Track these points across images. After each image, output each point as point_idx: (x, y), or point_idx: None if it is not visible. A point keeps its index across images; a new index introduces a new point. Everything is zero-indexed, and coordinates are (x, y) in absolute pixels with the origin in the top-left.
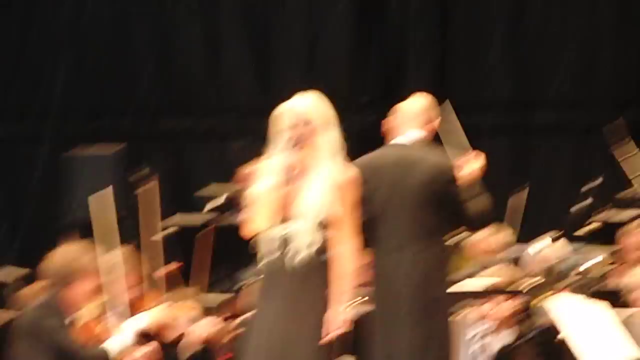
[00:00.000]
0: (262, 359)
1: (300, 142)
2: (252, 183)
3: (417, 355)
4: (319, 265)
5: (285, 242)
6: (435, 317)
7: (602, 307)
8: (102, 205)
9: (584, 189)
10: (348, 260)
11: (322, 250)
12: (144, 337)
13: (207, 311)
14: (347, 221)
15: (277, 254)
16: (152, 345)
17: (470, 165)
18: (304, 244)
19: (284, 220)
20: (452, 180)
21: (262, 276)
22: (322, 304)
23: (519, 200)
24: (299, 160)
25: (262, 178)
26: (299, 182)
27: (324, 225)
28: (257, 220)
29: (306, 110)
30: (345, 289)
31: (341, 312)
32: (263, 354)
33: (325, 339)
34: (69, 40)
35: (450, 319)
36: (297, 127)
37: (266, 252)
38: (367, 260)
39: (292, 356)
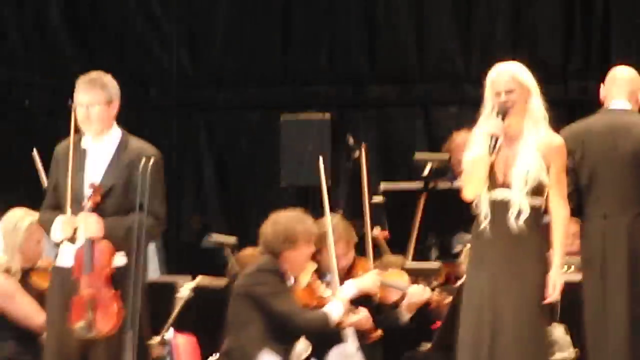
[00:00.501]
0: (486, 317)
1: (511, 107)
2: (466, 149)
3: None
4: (534, 231)
5: (500, 208)
6: None
7: None
8: (315, 172)
9: None
10: (562, 225)
11: (536, 216)
12: (360, 301)
13: (415, 278)
14: (558, 187)
15: (492, 219)
16: (363, 312)
17: None
18: (518, 210)
19: (499, 186)
20: None
21: (476, 241)
22: (542, 266)
23: None
24: (510, 126)
25: (474, 145)
26: (511, 148)
27: (536, 192)
28: (469, 188)
29: (518, 76)
30: (561, 253)
31: (561, 275)
32: (486, 313)
33: (550, 299)
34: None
35: None
36: (511, 92)
37: (481, 218)
38: (577, 229)
39: (516, 313)
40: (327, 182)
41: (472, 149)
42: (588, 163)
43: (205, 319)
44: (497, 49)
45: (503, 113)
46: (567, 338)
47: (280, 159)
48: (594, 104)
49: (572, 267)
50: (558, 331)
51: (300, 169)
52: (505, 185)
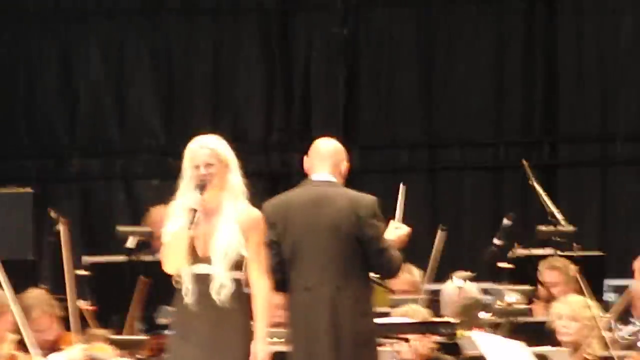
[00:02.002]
0: None
1: (209, 181)
2: (165, 223)
3: None
4: (236, 304)
5: (202, 282)
6: (363, 349)
7: (518, 345)
8: (18, 244)
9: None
10: (263, 297)
11: (238, 288)
12: None
13: (122, 352)
14: (257, 260)
15: (195, 293)
16: None
17: (396, 231)
18: (219, 284)
19: (200, 261)
20: (371, 216)
21: (180, 315)
22: (246, 338)
23: (437, 241)
24: (208, 200)
25: (173, 219)
26: (209, 222)
27: (237, 265)
28: (170, 262)
29: (217, 150)
30: (264, 324)
31: (265, 346)
32: None
33: None
34: None
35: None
36: (210, 166)
37: (183, 293)
38: (281, 301)
39: None
40: (28, 256)
41: (172, 222)
42: (290, 235)
43: None
44: (198, 121)
45: (201, 187)
46: None
47: None
48: (295, 176)
49: (275, 338)
50: None
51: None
52: (206, 259)
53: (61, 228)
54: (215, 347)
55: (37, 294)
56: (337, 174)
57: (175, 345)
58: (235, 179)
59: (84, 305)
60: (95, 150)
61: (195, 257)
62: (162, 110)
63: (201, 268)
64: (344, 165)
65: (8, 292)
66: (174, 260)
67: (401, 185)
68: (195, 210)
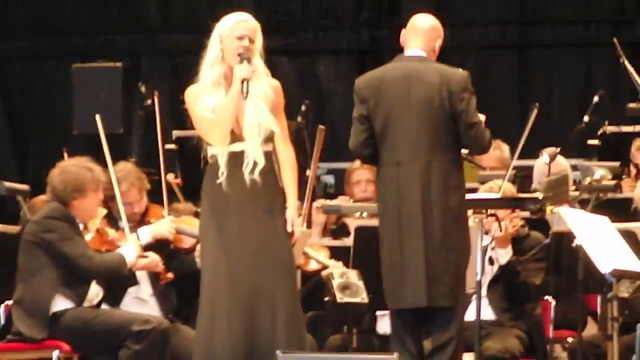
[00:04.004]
0: (244, 260)
1: (253, 54)
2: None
3: (434, 261)
4: (269, 178)
5: (235, 159)
6: (450, 226)
7: (603, 221)
8: (108, 118)
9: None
10: (292, 164)
11: (270, 163)
12: (154, 247)
13: None
14: (282, 128)
15: (228, 172)
16: (153, 256)
17: None
18: (253, 160)
19: (235, 138)
20: (462, 90)
21: (210, 196)
22: (281, 210)
23: (530, 118)
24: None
25: (207, 94)
26: (242, 99)
27: (268, 139)
28: (217, 135)
29: (257, 26)
30: (295, 190)
31: (297, 211)
32: (236, 262)
33: (296, 235)
34: None
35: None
36: (251, 40)
37: (222, 169)
38: (369, 175)
39: (269, 260)
40: (117, 130)
41: (207, 97)
42: (382, 110)
43: None
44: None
45: (248, 58)
46: (361, 283)
47: (72, 107)
48: (383, 53)
49: (365, 213)
50: (352, 275)
51: (93, 117)
52: (239, 136)
53: (152, 102)
54: (254, 222)
55: (126, 167)
56: (430, 50)
57: (211, 226)
58: (260, 58)
59: (172, 179)
60: (186, 26)
61: (233, 133)
62: None
63: (235, 146)
64: (439, 43)
65: (110, 167)
66: (221, 133)
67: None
68: (246, 80)
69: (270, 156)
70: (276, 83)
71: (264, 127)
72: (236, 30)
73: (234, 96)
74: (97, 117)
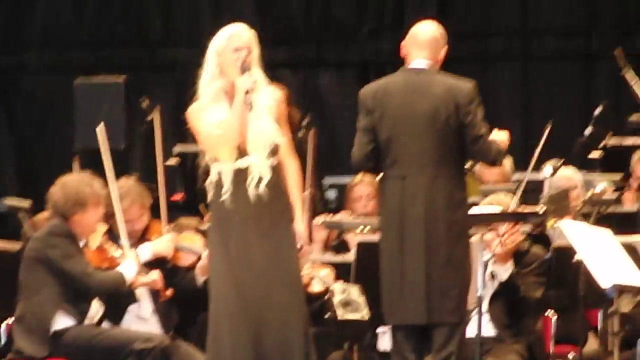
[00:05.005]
0: (251, 277)
1: (251, 64)
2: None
3: (437, 277)
4: (275, 192)
5: (241, 176)
6: (455, 241)
7: (606, 234)
8: (110, 134)
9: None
10: (296, 177)
11: (276, 176)
12: (154, 264)
13: None
14: (287, 141)
15: (233, 189)
16: (154, 273)
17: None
18: (259, 175)
19: (240, 152)
20: (469, 102)
21: (216, 214)
22: (288, 225)
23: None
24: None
25: (211, 108)
26: (246, 111)
27: (274, 152)
28: (221, 151)
29: (253, 37)
30: (301, 202)
31: (303, 225)
32: (243, 280)
33: (303, 250)
34: None
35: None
36: (249, 50)
37: (227, 186)
38: (371, 190)
39: (278, 275)
40: (119, 146)
41: (211, 112)
42: (387, 122)
43: None
44: (291, 10)
45: (249, 69)
46: (362, 299)
47: (74, 122)
48: (386, 66)
49: (367, 228)
50: (353, 292)
51: (94, 132)
52: (243, 151)
53: (154, 117)
54: (259, 238)
55: (127, 183)
56: (435, 60)
57: (217, 244)
58: (258, 68)
59: (175, 195)
60: (189, 40)
61: (238, 147)
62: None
63: (241, 162)
64: (443, 52)
65: (112, 183)
66: (229, 148)
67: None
68: (248, 92)
69: (276, 170)
70: (279, 93)
71: (269, 139)
72: (232, 43)
73: (238, 109)
74: (98, 129)
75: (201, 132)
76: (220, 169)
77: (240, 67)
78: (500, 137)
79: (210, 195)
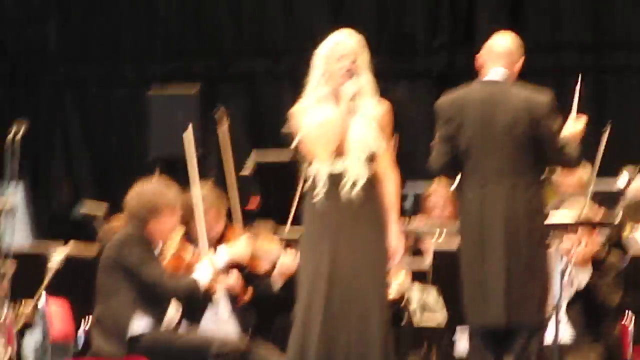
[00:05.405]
0: (333, 288)
1: (353, 74)
2: (299, 119)
3: (518, 283)
4: (372, 196)
5: (336, 179)
6: (535, 248)
7: None
8: (188, 142)
9: None
10: (395, 189)
11: (371, 183)
12: (231, 269)
13: (288, 245)
14: (389, 152)
15: (327, 192)
16: (232, 275)
17: (572, 127)
18: (354, 179)
19: (337, 155)
20: (546, 116)
21: (309, 216)
22: (381, 235)
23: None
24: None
25: (312, 111)
26: (349, 116)
27: (371, 159)
28: (320, 152)
29: (358, 45)
30: (397, 216)
31: (400, 237)
32: (331, 284)
33: (394, 262)
34: None
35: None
36: (353, 59)
37: (317, 191)
38: (449, 194)
39: (364, 282)
40: (197, 152)
41: (312, 114)
42: (466, 132)
43: (77, 283)
44: (364, 21)
45: (355, 75)
46: (439, 301)
47: (148, 132)
48: (460, 77)
49: (445, 231)
50: (431, 294)
51: (169, 141)
52: (341, 154)
53: (223, 129)
54: (350, 242)
55: (204, 189)
56: (511, 72)
57: (309, 247)
58: (367, 76)
59: (250, 199)
60: (262, 50)
61: (335, 150)
62: (327, 11)
63: (337, 166)
64: (519, 63)
65: (195, 188)
66: (327, 147)
67: (579, 80)
68: (353, 97)
69: (372, 178)
70: (385, 104)
71: (368, 145)
72: (336, 51)
73: (342, 112)
74: (185, 135)
75: (301, 130)
76: (316, 170)
77: (345, 75)
78: (577, 127)
79: (305, 199)
